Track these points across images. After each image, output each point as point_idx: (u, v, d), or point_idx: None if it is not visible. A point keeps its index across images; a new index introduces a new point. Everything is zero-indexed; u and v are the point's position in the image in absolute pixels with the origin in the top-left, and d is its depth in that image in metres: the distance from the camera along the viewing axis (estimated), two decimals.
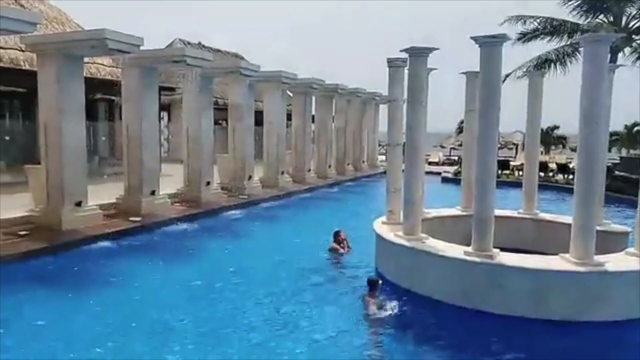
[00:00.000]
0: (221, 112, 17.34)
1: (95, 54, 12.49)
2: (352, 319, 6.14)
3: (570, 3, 16.93)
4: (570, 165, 20.79)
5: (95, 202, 10.30)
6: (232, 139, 14.98)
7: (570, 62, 17.68)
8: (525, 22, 17.44)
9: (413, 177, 7.51)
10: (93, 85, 14.48)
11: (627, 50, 16.97)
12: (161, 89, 14.88)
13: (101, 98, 17.33)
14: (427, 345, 5.62)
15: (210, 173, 13.60)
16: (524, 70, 16.98)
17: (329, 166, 19.90)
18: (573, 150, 30.44)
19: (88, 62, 14.15)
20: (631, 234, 7.90)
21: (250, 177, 15.03)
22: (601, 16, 17.25)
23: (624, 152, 25.34)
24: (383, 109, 25.22)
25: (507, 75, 17.37)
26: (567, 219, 8.68)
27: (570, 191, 17.34)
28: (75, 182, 9.68)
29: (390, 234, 7.61)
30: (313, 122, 19.39)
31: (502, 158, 22.12)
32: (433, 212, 9.26)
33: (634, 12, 16.84)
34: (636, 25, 16.78)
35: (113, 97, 17.15)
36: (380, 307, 6.31)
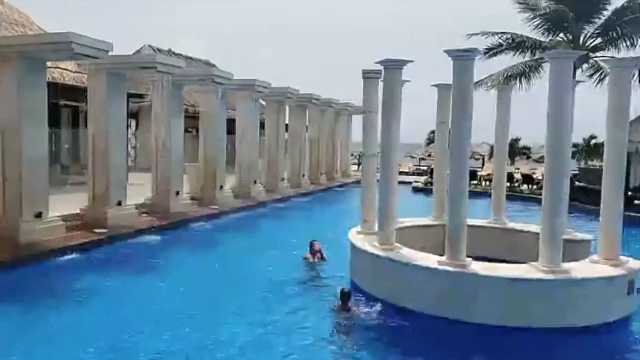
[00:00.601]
0: (191, 119, 17.07)
1: (60, 59, 12.12)
2: (323, 329, 6.11)
3: (533, 21, 17.62)
4: (534, 176, 21.48)
5: (57, 213, 9.90)
6: (203, 148, 14.77)
7: (534, 76, 18.36)
8: (491, 35, 18.00)
9: (388, 187, 7.57)
10: (57, 90, 14.02)
11: (585, 66, 17.75)
12: (129, 95, 14.53)
13: (65, 104, 16.78)
14: (401, 355, 5.65)
15: (179, 182, 13.34)
16: (488, 84, 17.46)
17: (303, 176, 19.87)
18: (536, 161, 31.54)
19: (51, 67, 13.69)
20: (594, 241, 8.19)
21: (221, 186, 14.82)
22: (561, 34, 18.02)
23: (582, 164, 26.42)
24: (356, 119, 25.49)
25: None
26: (535, 227, 8.92)
27: (534, 201, 18.04)
28: (35, 192, 9.24)
29: (365, 244, 7.63)
30: (286, 131, 19.35)
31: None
32: (406, 222, 9.34)
33: (591, 32, 17.68)
34: (593, 43, 17.61)
35: (78, 104, 16.64)
36: (351, 317, 6.33)
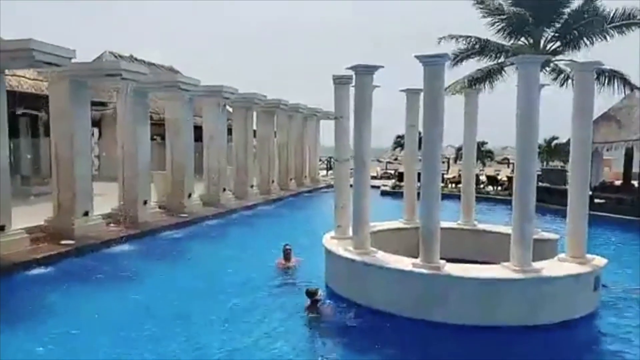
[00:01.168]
0: (156, 127, 16.69)
1: (20, 67, 11.64)
2: (296, 334, 6.12)
3: (495, 26, 18.15)
4: (499, 177, 22.06)
5: (20, 226, 9.49)
6: (171, 155, 14.47)
7: (497, 80, 18.91)
8: (457, 40, 18.45)
9: (361, 191, 7.61)
10: (14, 99, 13.45)
11: (547, 69, 18.38)
12: (91, 103, 14.10)
13: (23, 113, 16.12)
14: (377, 356, 5.66)
15: (147, 191, 13.02)
16: (452, 89, 17.81)
17: (272, 182, 19.75)
18: (499, 163, 32.43)
19: (8, 75, 13.13)
20: (560, 240, 8.45)
21: (190, 194, 14.55)
22: (522, 38, 18.63)
23: (544, 164, 27.30)
24: (324, 124, 25.57)
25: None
26: (504, 228, 9.16)
27: (500, 202, 18.52)
28: None
29: (340, 249, 7.63)
30: (254, 137, 19.20)
31: None
32: (378, 225, 9.39)
33: (550, 36, 18.34)
34: (553, 47, 18.28)
35: (37, 112, 16.02)
36: (321, 319, 6.45)
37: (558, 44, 18.27)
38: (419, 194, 8.62)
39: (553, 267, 6.77)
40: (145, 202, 12.77)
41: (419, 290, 6.56)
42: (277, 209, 17.53)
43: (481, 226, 9.80)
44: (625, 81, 17.27)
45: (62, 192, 10.73)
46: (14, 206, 9.49)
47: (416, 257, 6.81)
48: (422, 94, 8.43)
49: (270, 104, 18.95)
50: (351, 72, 7.58)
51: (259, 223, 14.72)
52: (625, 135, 15.25)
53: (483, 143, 23.92)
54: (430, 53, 6.52)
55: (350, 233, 7.81)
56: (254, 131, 19.14)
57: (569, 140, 16.43)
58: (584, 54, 17.53)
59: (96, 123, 21.71)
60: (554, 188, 16.67)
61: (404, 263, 6.87)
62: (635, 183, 16.73)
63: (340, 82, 8.25)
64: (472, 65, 19.11)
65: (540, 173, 22.90)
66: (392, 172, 28.34)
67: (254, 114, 18.77)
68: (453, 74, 18.29)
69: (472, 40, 18.45)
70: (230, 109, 18.67)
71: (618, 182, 18.18)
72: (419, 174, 9.88)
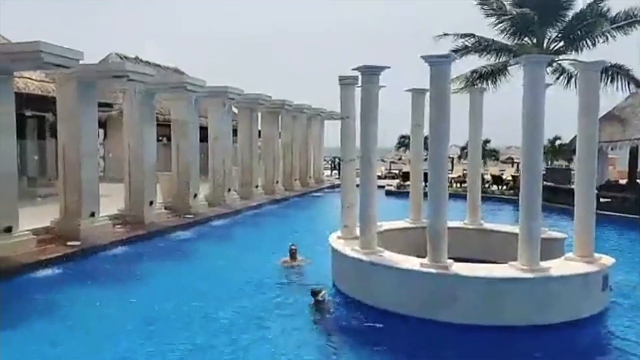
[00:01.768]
0: (161, 128, 16.76)
1: (28, 69, 11.74)
2: (302, 333, 6.18)
3: (499, 26, 18.17)
4: (504, 177, 22.05)
5: (27, 227, 9.56)
6: (177, 156, 14.53)
7: (500, 80, 18.88)
8: (460, 37, 18.45)
9: (368, 191, 7.63)
10: (22, 101, 13.54)
11: (549, 69, 18.33)
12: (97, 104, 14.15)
13: (31, 115, 16.22)
14: (384, 356, 5.69)
15: (153, 192, 13.08)
16: (455, 87, 17.76)
17: (277, 182, 19.79)
18: (503, 162, 32.37)
19: (15, 76, 13.21)
20: (566, 239, 8.45)
21: (195, 195, 14.61)
22: (526, 38, 18.60)
23: (548, 164, 27.24)
24: (328, 124, 25.61)
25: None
26: (510, 228, 9.18)
27: (504, 201, 18.49)
28: (4, 206, 8.91)
29: (347, 249, 7.65)
30: (259, 137, 19.26)
31: None
32: (385, 225, 9.41)
33: (554, 36, 18.31)
34: (556, 47, 18.24)
35: (44, 114, 16.12)
36: (326, 315, 6.59)
37: (562, 43, 18.22)
38: (424, 193, 8.69)
39: (561, 267, 6.77)
40: (151, 203, 12.83)
41: (427, 290, 6.57)
42: (282, 209, 17.58)
43: (487, 225, 9.80)
44: (630, 77, 17.19)
45: (68, 194, 10.80)
46: (21, 207, 9.57)
47: (423, 257, 6.83)
48: (427, 94, 8.54)
49: (274, 104, 19.00)
50: (357, 73, 7.61)
51: (265, 223, 14.77)
52: (630, 134, 15.25)
53: (486, 142, 23.91)
54: (436, 54, 6.54)
55: (357, 233, 7.83)
56: (259, 132, 19.20)
57: (572, 139, 16.45)
58: (587, 54, 17.50)
59: (101, 124, 21.84)
60: (559, 187, 16.67)
61: (412, 263, 6.89)
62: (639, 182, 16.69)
63: (345, 82, 8.27)
64: (476, 64, 19.09)
65: (545, 172, 22.93)
66: (397, 171, 28.35)
67: (259, 114, 18.82)
68: (456, 71, 18.24)
69: (476, 38, 18.43)
70: (235, 110, 18.72)
71: (623, 181, 18.15)
72: (424, 174, 10.01)
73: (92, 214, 10.90)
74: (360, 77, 7.54)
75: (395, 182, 23.57)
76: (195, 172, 14.62)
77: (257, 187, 18.22)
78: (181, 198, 14.32)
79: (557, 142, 22.96)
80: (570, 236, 7.95)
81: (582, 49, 17.89)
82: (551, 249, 8.13)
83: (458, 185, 20.65)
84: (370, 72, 7.39)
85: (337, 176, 27.81)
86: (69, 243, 9.92)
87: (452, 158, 30.82)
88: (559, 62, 18.03)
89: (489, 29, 18.48)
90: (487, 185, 21.25)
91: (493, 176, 21.98)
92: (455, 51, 18.37)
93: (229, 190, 16.26)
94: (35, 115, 16.39)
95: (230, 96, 15.76)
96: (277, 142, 20.41)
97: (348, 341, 6.16)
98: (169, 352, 5.59)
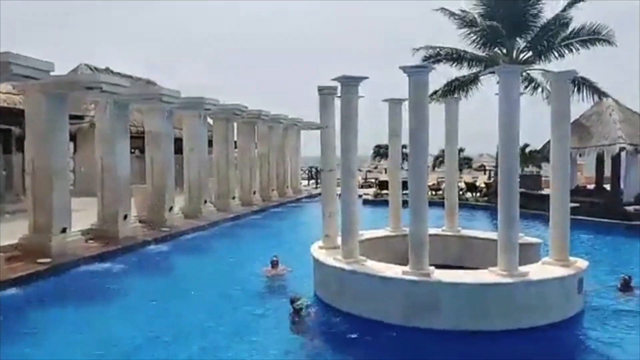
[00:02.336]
0: (134, 140, 16.44)
1: None
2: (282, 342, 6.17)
3: (470, 37, 18.75)
4: (477, 184, 22.47)
5: None
6: (151, 169, 14.27)
7: (471, 89, 19.39)
8: (434, 50, 19.00)
9: (349, 200, 7.66)
10: None
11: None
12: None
13: None
14: None
15: (127, 206, 12.78)
16: (436, 97, 18.17)
17: (254, 193, 19.64)
18: (476, 170, 33.01)
19: None
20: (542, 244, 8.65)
21: (171, 208, 14.35)
22: (496, 49, 19.21)
23: (520, 170, 27.86)
24: (305, 134, 25.66)
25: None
26: (488, 234, 9.36)
27: (479, 208, 18.75)
28: None
29: (329, 258, 7.64)
30: (235, 148, 19.11)
31: None
32: (366, 234, 9.44)
33: (522, 46, 18.96)
34: (525, 57, 18.87)
35: (10, 127, 15.59)
36: (304, 324, 6.60)
37: (530, 54, 18.87)
38: (403, 202, 8.78)
39: (539, 271, 6.92)
40: (125, 217, 12.53)
41: (410, 297, 6.61)
42: (259, 220, 17.43)
43: (465, 232, 9.94)
44: (594, 89, 17.91)
45: (38, 209, 10.44)
46: None
47: (405, 265, 6.87)
48: (404, 103, 8.67)
49: (251, 114, 18.91)
50: (336, 83, 7.66)
51: (242, 234, 14.61)
52: (596, 141, 15.77)
53: (460, 150, 24.40)
54: (414, 64, 6.65)
55: (339, 242, 7.83)
56: (235, 142, 19.06)
57: (544, 146, 16.87)
58: (555, 64, 18.16)
59: (72, 137, 21.26)
60: (532, 193, 17.07)
61: (394, 271, 6.92)
62: (606, 187, 17.25)
63: (325, 92, 8.32)
64: (449, 74, 19.59)
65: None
66: (373, 180, 28.54)
67: (235, 125, 18.71)
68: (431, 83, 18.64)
69: (449, 50, 18.96)
70: (211, 121, 18.55)
71: (590, 186, 18.75)
72: (403, 182, 10.11)
73: (64, 230, 10.55)
74: (339, 87, 7.59)
75: (372, 190, 23.71)
76: (170, 185, 14.38)
77: (234, 198, 18.04)
78: (156, 211, 14.04)
79: (528, 149, 23.54)
80: (545, 240, 8.16)
81: (549, 60, 18.57)
82: (527, 254, 8.28)
83: (433, 193, 20.91)
84: (350, 83, 7.46)
85: (314, 186, 27.83)
86: (40, 260, 9.55)
87: (427, 166, 31.26)
88: (528, 71, 18.62)
89: (460, 40, 19.05)
90: (461, 193, 21.64)
91: (467, 184, 22.37)
92: (428, 58, 18.84)
93: (205, 202, 16.05)
94: (1, 129, 15.84)
95: (206, 107, 15.61)
96: (254, 152, 20.30)
97: (328, 349, 6.16)
98: None
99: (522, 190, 17.41)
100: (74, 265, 9.83)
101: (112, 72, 23.76)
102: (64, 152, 10.97)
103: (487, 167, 31.49)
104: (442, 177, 19.71)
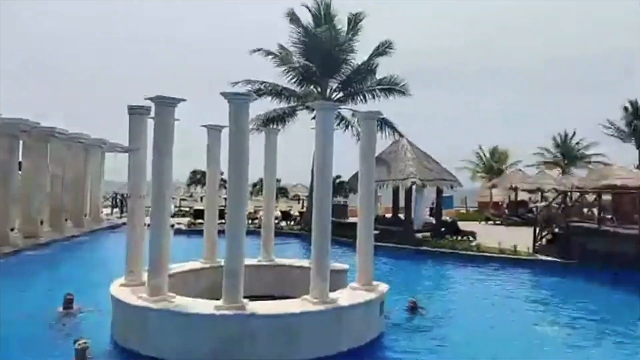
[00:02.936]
0: None
1: None
2: None
3: (288, 75, 19.98)
4: (292, 213, 23.30)
5: None
6: None
7: (288, 121, 20.31)
8: (253, 84, 19.54)
9: (160, 231, 6.97)
10: None
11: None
12: None
13: None
14: None
15: None
16: (256, 126, 18.47)
17: (41, 222, 16.70)
18: (291, 199, 34.40)
19: None
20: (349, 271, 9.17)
21: None
22: (311, 87, 20.59)
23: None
24: (109, 157, 23.26)
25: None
26: (301, 262, 9.58)
27: (293, 235, 19.35)
28: None
29: (133, 297, 6.80)
30: (19, 170, 16.13)
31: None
32: (175, 267, 8.74)
33: (335, 86, 20.73)
34: (337, 96, 20.64)
35: None
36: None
37: (341, 94, 20.72)
38: (219, 231, 8.40)
39: (347, 296, 7.26)
40: None
41: (224, 334, 6.24)
42: (46, 255, 14.74)
43: (279, 261, 10.00)
44: (393, 129, 20.45)
45: None
46: None
47: (218, 299, 6.50)
48: (223, 130, 8.42)
49: (42, 131, 16.30)
50: (150, 103, 7.02)
51: (24, 273, 12.19)
52: (394, 175, 17.84)
53: (277, 180, 25.19)
54: (236, 91, 6.50)
55: (145, 278, 7.04)
56: (20, 163, 16.08)
57: (351, 178, 18.36)
58: (361, 106, 20.27)
59: None
60: (339, 221, 18.32)
61: (207, 307, 6.47)
62: (401, 216, 19.55)
63: (136, 112, 7.58)
64: (269, 107, 20.26)
65: None
66: (187, 209, 27.29)
67: (21, 143, 15.85)
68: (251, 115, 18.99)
69: (268, 85, 19.71)
70: None
71: (388, 215, 21.06)
72: (220, 211, 9.75)
73: None
74: (153, 107, 6.97)
75: (186, 220, 22.60)
76: None
77: (12, 229, 14.97)
78: None
79: (338, 180, 25.48)
80: (352, 266, 8.68)
81: (356, 102, 20.69)
82: (337, 279, 8.71)
83: (249, 221, 20.91)
84: (166, 104, 6.89)
85: (118, 215, 25.20)
86: None
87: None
88: (339, 109, 20.33)
89: (279, 76, 19.99)
90: (277, 221, 22.13)
91: (282, 212, 23.02)
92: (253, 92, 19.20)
93: None
94: None
95: None
96: (45, 175, 17.39)
97: None
98: None
99: (333, 218, 18.85)
100: None
101: None
102: None
103: (301, 197, 33.08)
104: (259, 206, 19.90)
